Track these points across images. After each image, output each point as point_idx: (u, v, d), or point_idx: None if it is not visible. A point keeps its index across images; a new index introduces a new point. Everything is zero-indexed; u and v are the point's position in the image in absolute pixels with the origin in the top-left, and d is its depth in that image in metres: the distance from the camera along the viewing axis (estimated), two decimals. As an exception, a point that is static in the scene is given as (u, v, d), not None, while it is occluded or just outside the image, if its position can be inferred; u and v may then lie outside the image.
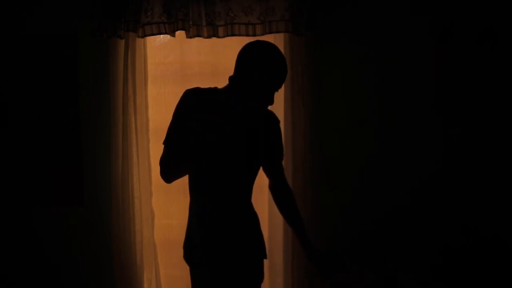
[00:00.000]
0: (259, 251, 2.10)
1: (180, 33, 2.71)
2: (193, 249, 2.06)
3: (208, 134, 1.89)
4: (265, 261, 2.14)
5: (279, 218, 2.80)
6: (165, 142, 1.97)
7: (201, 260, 2.04)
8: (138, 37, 2.70)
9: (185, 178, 2.19)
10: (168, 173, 1.98)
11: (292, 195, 2.19)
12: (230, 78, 1.98)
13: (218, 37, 2.69)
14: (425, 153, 2.88)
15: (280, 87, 2.00)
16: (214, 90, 1.99)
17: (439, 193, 2.88)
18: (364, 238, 2.85)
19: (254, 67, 1.91)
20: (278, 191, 2.19)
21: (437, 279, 2.77)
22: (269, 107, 2.09)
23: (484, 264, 2.75)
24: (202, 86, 2.00)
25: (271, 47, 1.97)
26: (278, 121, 2.14)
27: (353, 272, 2.52)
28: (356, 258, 2.70)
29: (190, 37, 2.69)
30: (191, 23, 2.67)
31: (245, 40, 2.74)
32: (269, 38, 2.75)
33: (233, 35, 2.70)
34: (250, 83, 1.92)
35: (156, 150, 2.81)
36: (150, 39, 2.82)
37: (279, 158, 2.16)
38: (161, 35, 2.75)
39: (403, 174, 2.87)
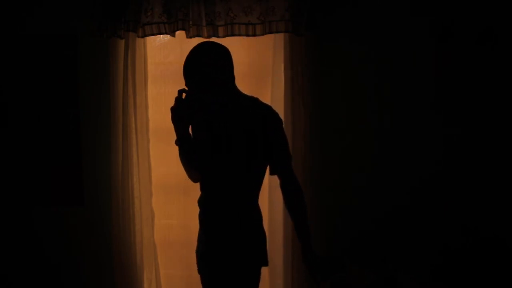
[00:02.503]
0: (257, 256, 2.09)
1: (180, 33, 2.71)
2: (198, 245, 2.16)
3: (198, 134, 2.00)
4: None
5: (279, 219, 2.81)
6: None
7: (202, 256, 2.12)
8: (138, 37, 2.70)
9: (184, 178, 2.23)
10: (187, 174, 2.19)
11: (297, 196, 2.11)
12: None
13: (218, 37, 2.69)
14: (425, 153, 2.87)
15: (200, 76, 2.01)
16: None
17: (439, 193, 2.87)
18: (364, 238, 2.85)
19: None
20: (284, 191, 2.13)
21: (437, 279, 2.77)
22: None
23: (484, 264, 2.75)
24: None
25: (202, 42, 2.11)
26: (280, 121, 2.09)
27: (353, 272, 2.52)
28: (356, 258, 2.70)
29: (190, 37, 2.69)
30: (191, 23, 2.67)
31: (245, 40, 2.77)
32: (269, 38, 2.76)
33: (233, 35, 2.69)
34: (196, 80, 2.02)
35: (156, 150, 2.82)
36: (150, 39, 2.81)
37: (280, 157, 2.10)
38: (161, 35, 2.75)
39: (403, 174, 2.87)
